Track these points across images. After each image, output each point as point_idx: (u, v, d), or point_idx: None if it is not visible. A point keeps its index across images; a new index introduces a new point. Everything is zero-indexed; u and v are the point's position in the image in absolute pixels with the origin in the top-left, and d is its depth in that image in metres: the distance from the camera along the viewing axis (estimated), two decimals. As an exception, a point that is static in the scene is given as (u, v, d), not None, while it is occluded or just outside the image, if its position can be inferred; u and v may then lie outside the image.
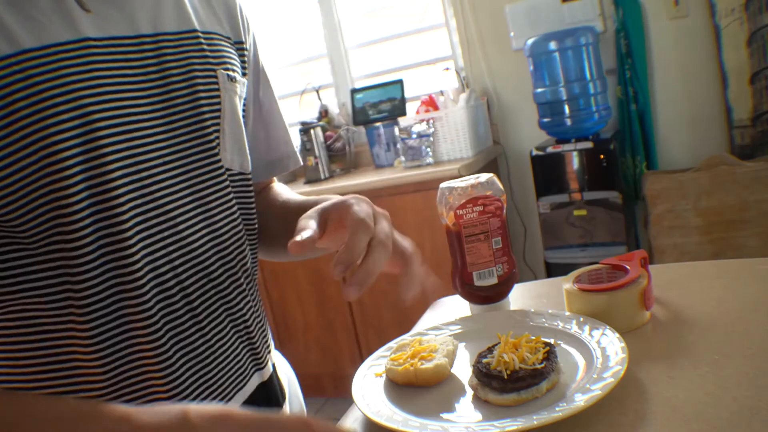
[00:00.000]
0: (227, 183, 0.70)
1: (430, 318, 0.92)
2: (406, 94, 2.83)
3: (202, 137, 0.67)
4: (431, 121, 2.58)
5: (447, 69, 2.81)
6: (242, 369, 0.71)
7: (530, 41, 2.43)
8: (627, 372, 0.58)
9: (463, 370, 0.68)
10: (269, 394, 0.76)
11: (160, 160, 0.62)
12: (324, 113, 3.05)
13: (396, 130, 2.71)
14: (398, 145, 2.67)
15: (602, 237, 2.37)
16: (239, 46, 0.76)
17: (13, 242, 0.56)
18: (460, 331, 0.78)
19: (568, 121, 2.43)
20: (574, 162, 2.36)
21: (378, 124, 2.82)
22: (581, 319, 0.71)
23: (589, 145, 2.33)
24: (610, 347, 0.63)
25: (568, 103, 2.41)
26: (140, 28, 0.62)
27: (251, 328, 0.73)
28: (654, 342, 0.68)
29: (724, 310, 0.71)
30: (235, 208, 0.71)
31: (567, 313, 0.74)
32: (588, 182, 2.36)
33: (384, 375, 0.69)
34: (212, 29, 0.71)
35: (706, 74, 2.43)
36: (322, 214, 0.63)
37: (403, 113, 2.79)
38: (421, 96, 2.83)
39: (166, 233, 0.62)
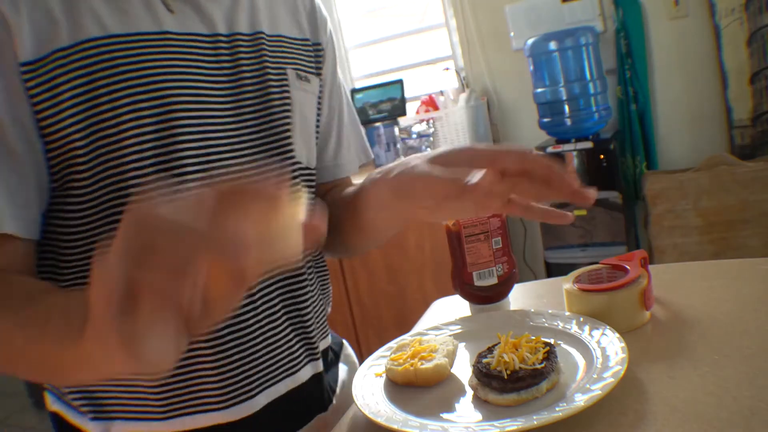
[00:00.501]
0: (297, 176, 0.74)
1: (430, 318, 0.92)
2: (406, 94, 2.83)
3: (273, 131, 0.71)
4: (431, 121, 2.58)
5: (447, 69, 2.81)
6: (294, 356, 0.73)
7: (530, 41, 2.43)
8: (627, 372, 0.58)
9: (463, 370, 0.68)
10: (321, 388, 0.78)
11: (229, 147, 0.66)
12: (324, 113, 3.05)
13: (396, 130, 2.71)
14: (398, 145, 2.67)
15: (602, 237, 2.37)
16: (317, 47, 0.81)
17: (79, 219, 0.61)
18: (460, 331, 0.78)
19: (568, 121, 2.43)
20: (574, 162, 2.36)
21: (378, 124, 2.83)
22: (581, 319, 0.71)
23: (589, 145, 2.33)
24: (610, 347, 0.63)
25: (568, 103, 2.41)
26: (217, 28, 0.67)
27: (306, 318, 0.75)
28: (654, 342, 0.68)
29: (724, 310, 0.71)
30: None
31: (567, 313, 0.74)
32: (588, 182, 2.35)
33: (384, 375, 0.69)
34: (287, 33, 0.76)
35: (706, 74, 2.43)
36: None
37: (403, 113, 2.79)
38: (421, 96, 2.83)
39: None
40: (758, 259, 0.82)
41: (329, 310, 0.84)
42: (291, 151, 0.72)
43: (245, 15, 0.71)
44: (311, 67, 0.78)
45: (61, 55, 0.57)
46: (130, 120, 0.59)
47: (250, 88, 0.69)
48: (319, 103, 0.81)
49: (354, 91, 2.97)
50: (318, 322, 0.78)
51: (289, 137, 0.72)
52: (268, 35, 0.72)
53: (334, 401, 0.80)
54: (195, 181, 0.62)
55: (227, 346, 0.66)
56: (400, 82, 2.84)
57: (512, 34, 2.68)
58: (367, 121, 2.88)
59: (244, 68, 0.69)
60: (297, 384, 0.73)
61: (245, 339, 0.67)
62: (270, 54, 0.72)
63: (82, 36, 0.58)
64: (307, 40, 0.79)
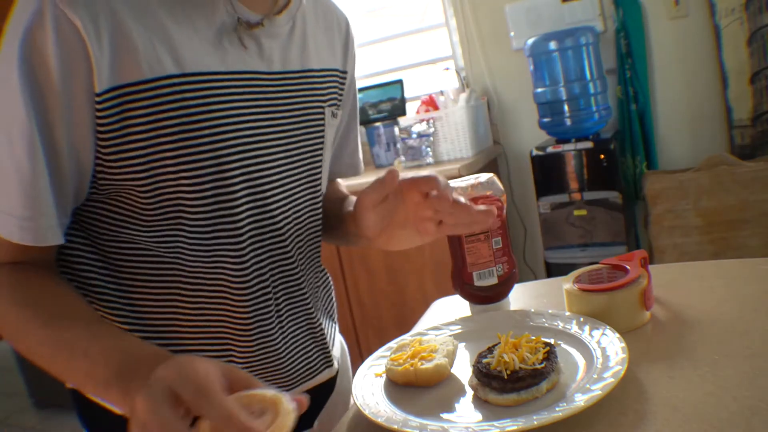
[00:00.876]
0: (320, 202, 0.80)
1: (430, 318, 0.92)
2: (406, 94, 2.83)
3: (309, 165, 0.76)
4: (431, 120, 2.58)
5: (447, 69, 2.81)
6: (312, 364, 0.79)
7: (530, 41, 2.43)
8: (627, 372, 0.58)
9: (463, 370, 0.68)
10: (340, 387, 0.86)
11: (278, 182, 0.72)
12: (324, 113, 3.05)
13: (396, 129, 2.71)
14: (398, 145, 2.67)
15: (602, 237, 2.37)
16: (343, 75, 0.84)
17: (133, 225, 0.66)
18: (460, 331, 0.78)
19: (568, 121, 2.43)
20: (574, 162, 2.36)
21: (378, 123, 2.82)
22: (581, 319, 0.71)
23: (589, 145, 2.33)
24: (610, 347, 0.63)
25: (568, 103, 2.41)
26: (273, 66, 0.71)
27: (315, 326, 0.79)
28: (654, 342, 0.68)
29: (724, 310, 0.71)
30: (319, 225, 0.81)
31: (567, 313, 0.74)
32: (588, 182, 2.36)
33: (384, 375, 0.69)
34: (328, 66, 0.79)
35: (706, 74, 2.43)
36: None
37: (403, 113, 2.79)
38: (421, 96, 2.83)
39: (273, 244, 0.72)
40: (758, 259, 0.82)
41: (336, 317, 0.91)
42: (319, 186, 0.79)
43: (297, 51, 0.74)
44: (341, 99, 0.84)
45: (136, 89, 0.59)
46: (220, 150, 0.65)
47: (297, 125, 0.74)
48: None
49: (354, 91, 2.97)
50: (331, 329, 0.85)
51: (319, 174, 0.78)
52: (316, 71, 0.76)
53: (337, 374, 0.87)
54: (246, 212, 0.68)
55: (257, 350, 0.72)
56: (400, 82, 2.84)
57: (512, 34, 2.68)
58: (367, 121, 2.88)
59: (295, 106, 0.73)
60: (314, 384, 0.79)
61: (273, 346, 0.73)
62: (314, 91, 0.76)
63: (160, 72, 0.60)
64: (338, 69, 0.82)
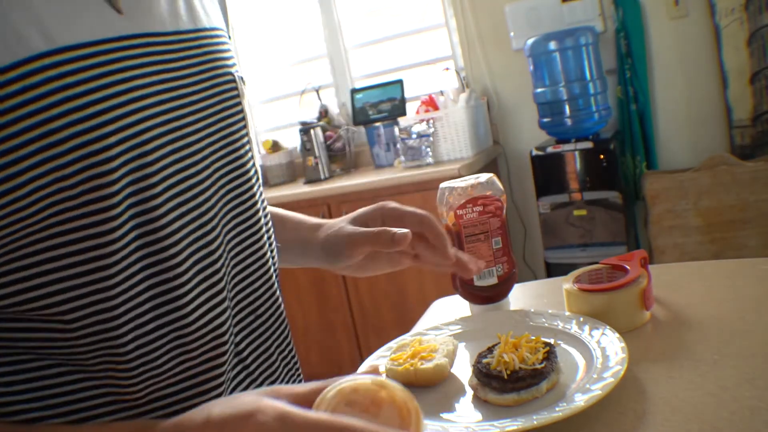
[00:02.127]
0: (261, 199, 0.66)
1: (430, 318, 0.92)
2: (406, 94, 2.83)
3: (235, 153, 0.61)
4: (431, 121, 2.58)
5: (447, 69, 2.81)
6: None
7: (530, 41, 2.43)
8: (627, 372, 0.58)
9: (463, 370, 0.68)
10: None
11: (199, 156, 0.56)
12: (324, 113, 3.05)
13: (396, 130, 2.71)
14: (398, 145, 2.67)
15: (602, 237, 2.36)
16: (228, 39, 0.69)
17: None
18: (460, 331, 0.78)
19: (568, 121, 2.43)
20: (574, 162, 2.36)
21: (378, 124, 2.82)
22: (581, 319, 0.71)
23: (589, 145, 2.33)
24: (610, 347, 0.63)
25: (568, 103, 2.41)
26: (166, 25, 0.56)
27: (298, 368, 0.69)
28: (654, 342, 0.68)
29: (724, 310, 0.71)
30: (266, 231, 0.66)
31: (567, 313, 0.74)
32: (588, 182, 2.36)
33: (384, 375, 0.69)
34: (218, 25, 0.64)
35: (706, 74, 2.43)
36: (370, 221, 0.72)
37: (403, 113, 2.79)
38: (421, 96, 2.83)
39: (207, 228, 0.56)
40: (758, 259, 0.82)
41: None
42: (254, 178, 0.64)
43: (183, 5, 0.59)
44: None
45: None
46: (97, 149, 0.47)
47: (211, 99, 0.58)
48: None
49: (354, 91, 2.97)
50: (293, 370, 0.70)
51: (250, 161, 0.63)
52: (209, 29, 0.61)
53: None
54: (170, 202, 0.52)
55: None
56: (400, 82, 2.84)
57: (512, 34, 2.68)
58: (367, 121, 2.88)
59: (203, 75, 0.58)
60: None
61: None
62: (217, 53, 0.61)
63: (26, 52, 0.44)
64: (225, 30, 0.67)
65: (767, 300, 0.71)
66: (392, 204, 0.72)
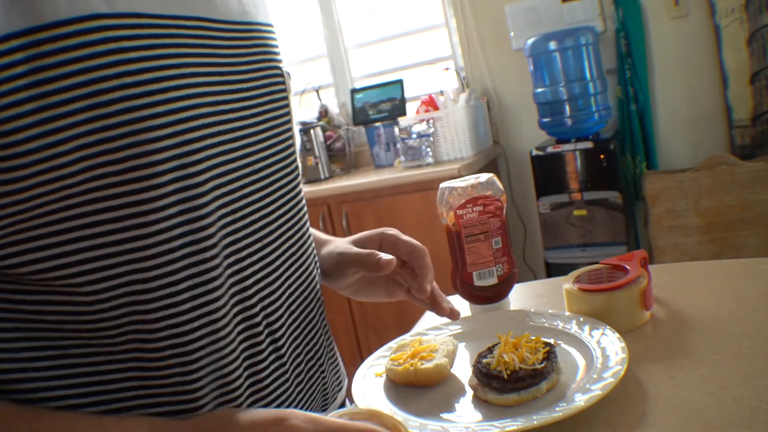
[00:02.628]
0: (302, 197, 0.66)
1: (430, 318, 0.92)
2: (406, 94, 2.83)
3: (281, 144, 0.62)
4: (431, 121, 2.58)
5: (447, 69, 2.81)
6: (310, 409, 0.64)
7: (530, 41, 2.43)
8: (627, 372, 0.58)
9: (463, 370, 0.68)
10: None
11: (246, 150, 0.56)
12: (324, 113, 3.05)
13: (396, 130, 2.71)
14: (398, 145, 2.67)
15: (602, 237, 2.36)
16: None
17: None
18: (460, 331, 0.78)
19: (568, 121, 2.43)
20: (574, 162, 2.36)
21: (378, 124, 2.82)
22: (581, 319, 0.71)
23: (589, 145, 2.33)
24: (610, 347, 0.63)
25: (568, 103, 2.41)
26: (218, 12, 0.55)
27: (324, 368, 0.68)
28: (654, 342, 0.68)
29: (724, 310, 0.71)
30: (307, 227, 0.67)
31: (567, 313, 0.74)
32: (588, 182, 2.36)
33: (384, 375, 0.69)
34: (264, 20, 0.64)
35: (706, 74, 2.43)
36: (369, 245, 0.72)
37: (403, 113, 2.79)
38: (421, 96, 2.83)
39: (247, 221, 0.56)
40: (758, 259, 0.82)
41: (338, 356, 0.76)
42: (296, 171, 0.65)
43: (236, 1, 0.59)
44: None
45: (53, 35, 0.42)
46: (143, 126, 0.46)
47: (259, 90, 0.59)
48: None
49: (354, 91, 2.97)
50: (332, 366, 0.71)
51: (293, 154, 0.64)
52: (261, 24, 0.62)
53: None
54: (214, 191, 0.52)
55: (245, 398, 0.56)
56: (400, 82, 2.84)
57: (512, 34, 2.68)
58: (367, 121, 2.88)
59: (252, 66, 0.59)
60: None
61: (267, 391, 0.58)
62: (266, 47, 0.62)
63: (85, 9, 0.43)
64: (272, 25, 0.67)
65: (767, 300, 0.71)
66: (392, 231, 0.74)
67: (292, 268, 0.63)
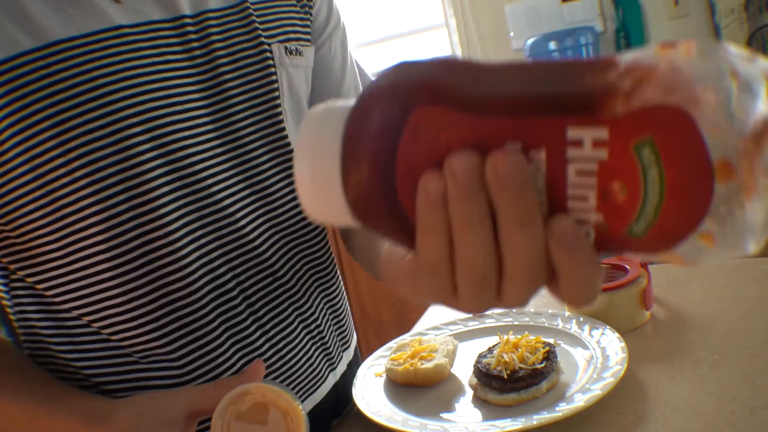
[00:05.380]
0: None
1: (430, 318, 0.92)
2: (406, 94, 2.83)
3: (262, 122, 0.61)
4: (431, 121, 2.58)
5: (447, 69, 2.80)
6: (315, 372, 0.66)
7: (530, 41, 2.43)
8: (627, 372, 0.58)
9: (463, 370, 0.68)
10: (339, 395, 0.70)
11: (211, 152, 0.56)
12: (324, 113, 3.05)
13: (396, 130, 2.70)
14: (398, 145, 2.67)
15: (602, 237, 2.37)
16: (307, 6, 0.68)
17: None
18: (460, 331, 0.78)
19: (568, 121, 2.43)
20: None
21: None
22: (581, 319, 0.71)
23: (589, 145, 2.33)
24: (610, 347, 0.63)
25: (568, 103, 2.42)
26: (180, 9, 0.56)
27: (322, 328, 0.68)
28: (654, 342, 0.68)
29: (724, 310, 0.71)
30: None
31: (567, 313, 0.74)
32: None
33: (384, 375, 0.69)
34: None
35: (706, 74, 2.43)
36: None
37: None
38: (421, 96, 2.83)
39: (222, 231, 0.57)
40: (758, 259, 0.82)
41: (349, 320, 0.76)
42: (288, 144, 0.63)
43: None
44: (303, 35, 0.66)
45: None
46: (82, 146, 0.50)
47: (229, 75, 0.58)
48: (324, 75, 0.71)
49: (354, 91, 2.97)
50: (335, 326, 0.71)
51: (282, 127, 0.62)
52: (241, 3, 0.61)
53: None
54: (172, 201, 0.54)
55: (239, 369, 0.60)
56: (400, 82, 2.84)
57: (512, 34, 2.68)
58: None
59: (219, 52, 0.58)
60: (317, 401, 0.66)
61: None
62: (245, 30, 0.60)
63: (12, 50, 0.47)
64: (291, 2, 0.66)
65: (767, 300, 0.71)
66: None
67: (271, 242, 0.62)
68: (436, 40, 2.96)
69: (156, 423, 0.49)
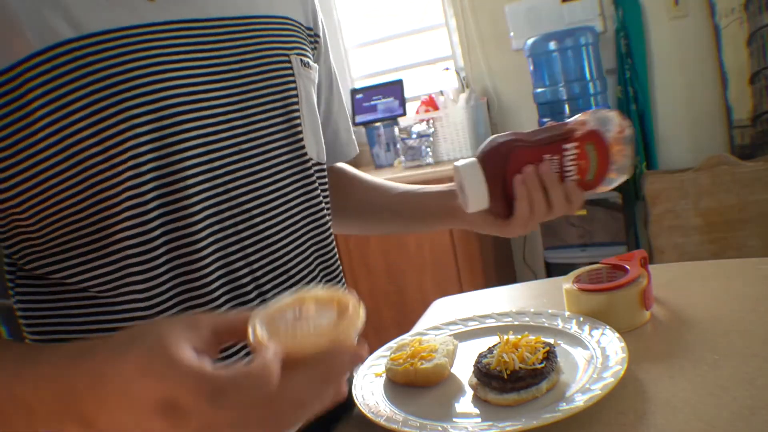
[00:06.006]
0: (312, 174, 0.68)
1: (430, 318, 0.92)
2: (406, 94, 2.83)
3: (282, 125, 0.64)
4: (431, 121, 2.58)
5: (447, 69, 2.81)
6: None
7: (530, 41, 2.43)
8: (627, 372, 0.58)
9: (463, 370, 0.68)
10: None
11: (237, 148, 0.60)
12: (324, 113, 3.05)
13: (396, 130, 2.71)
14: (398, 145, 2.67)
15: (602, 237, 2.36)
16: (310, 33, 0.74)
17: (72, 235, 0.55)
18: (460, 330, 0.78)
19: (568, 121, 2.43)
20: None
21: (378, 124, 2.82)
22: (581, 319, 0.71)
23: (589, 145, 2.33)
24: (610, 347, 0.63)
25: (568, 103, 2.41)
26: (207, 11, 0.59)
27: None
28: (654, 342, 0.68)
29: (724, 310, 0.71)
30: (318, 200, 0.69)
31: (567, 313, 0.74)
32: (588, 182, 2.36)
33: (384, 375, 0.69)
34: (284, 14, 0.69)
35: (706, 74, 2.43)
36: None
37: (403, 113, 2.79)
38: (421, 96, 2.83)
39: (239, 226, 0.60)
40: (758, 259, 0.82)
41: None
42: (303, 147, 0.67)
43: None
44: (310, 55, 0.73)
45: (29, 66, 0.49)
46: (118, 135, 0.52)
47: (253, 78, 0.62)
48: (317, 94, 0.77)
49: (354, 91, 2.97)
50: None
51: (299, 132, 0.66)
52: (265, 17, 0.66)
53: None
54: (201, 194, 0.56)
55: None
56: (400, 82, 2.84)
57: (512, 34, 2.68)
58: (367, 121, 2.88)
59: (245, 56, 0.62)
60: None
61: None
62: (269, 39, 0.65)
63: (54, 39, 0.50)
64: (301, 23, 0.72)
65: (767, 300, 0.71)
66: None
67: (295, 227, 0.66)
68: (436, 40, 2.95)
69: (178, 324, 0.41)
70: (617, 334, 0.65)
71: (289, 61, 0.66)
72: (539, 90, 2.46)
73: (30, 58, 0.49)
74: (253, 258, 0.61)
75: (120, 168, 0.53)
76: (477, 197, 0.65)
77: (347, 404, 0.69)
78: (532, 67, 2.47)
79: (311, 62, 0.71)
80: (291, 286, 0.65)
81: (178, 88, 0.55)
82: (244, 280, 0.60)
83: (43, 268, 0.57)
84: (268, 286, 0.62)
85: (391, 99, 2.84)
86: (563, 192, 0.65)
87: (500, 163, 0.64)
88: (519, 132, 0.66)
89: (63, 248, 0.56)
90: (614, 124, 0.63)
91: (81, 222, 0.54)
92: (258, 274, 0.62)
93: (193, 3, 0.59)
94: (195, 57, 0.57)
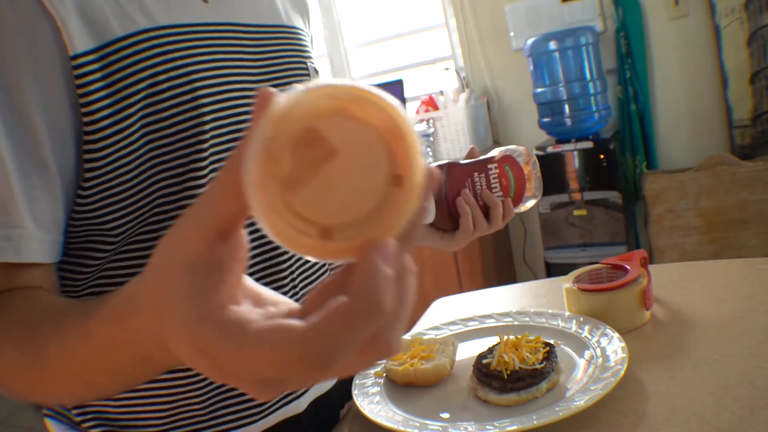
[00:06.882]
0: None
1: (430, 318, 0.92)
2: (406, 94, 2.83)
3: None
4: (431, 121, 2.58)
5: (447, 69, 2.81)
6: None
7: (530, 41, 2.43)
8: (627, 372, 0.58)
9: (463, 370, 0.68)
10: (339, 394, 0.72)
11: None
12: (324, 113, 3.05)
13: (396, 130, 2.70)
14: (398, 145, 2.67)
15: (602, 237, 2.36)
16: (309, 40, 0.81)
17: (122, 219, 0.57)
18: (460, 331, 0.78)
19: (568, 121, 2.43)
20: (574, 162, 2.36)
21: (378, 124, 2.82)
22: (581, 319, 0.71)
23: (589, 145, 2.33)
24: (610, 347, 0.63)
25: (568, 103, 2.41)
26: (245, 18, 0.66)
27: None
28: (654, 342, 0.68)
29: (724, 310, 0.71)
30: None
31: (567, 313, 0.74)
32: (588, 182, 2.36)
33: (384, 375, 0.69)
34: (297, 25, 0.75)
35: (706, 74, 2.43)
36: None
37: (403, 113, 2.79)
38: (421, 96, 2.83)
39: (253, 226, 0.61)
40: (758, 259, 0.82)
41: None
42: None
43: (266, 5, 0.71)
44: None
45: (116, 48, 0.54)
46: (192, 113, 0.57)
47: (280, 82, 0.68)
48: None
49: (354, 91, 2.96)
50: None
51: None
52: (289, 27, 0.72)
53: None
54: None
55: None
56: (400, 82, 2.84)
57: (512, 34, 2.68)
58: (367, 121, 2.88)
59: (276, 60, 0.69)
60: (316, 399, 0.67)
61: None
62: (291, 47, 0.71)
63: (133, 27, 0.55)
64: (305, 32, 0.78)
65: (767, 300, 0.71)
66: None
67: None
68: (436, 40, 2.95)
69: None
70: (617, 334, 0.65)
71: (306, 67, 0.73)
72: (539, 90, 2.46)
73: (114, 42, 0.54)
74: (258, 267, 0.64)
75: (189, 150, 0.58)
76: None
77: (346, 400, 0.71)
78: (532, 67, 2.47)
79: (317, 69, 0.78)
80: (293, 295, 0.66)
81: (228, 77, 0.62)
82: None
83: (116, 270, 0.59)
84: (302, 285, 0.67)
85: (391, 99, 2.84)
86: (502, 207, 0.77)
87: (441, 179, 0.72)
88: (453, 159, 0.78)
89: (135, 247, 0.59)
90: (523, 152, 0.78)
91: (137, 212, 0.57)
92: (259, 275, 0.63)
93: (236, 8, 0.66)
94: (239, 57, 0.64)
